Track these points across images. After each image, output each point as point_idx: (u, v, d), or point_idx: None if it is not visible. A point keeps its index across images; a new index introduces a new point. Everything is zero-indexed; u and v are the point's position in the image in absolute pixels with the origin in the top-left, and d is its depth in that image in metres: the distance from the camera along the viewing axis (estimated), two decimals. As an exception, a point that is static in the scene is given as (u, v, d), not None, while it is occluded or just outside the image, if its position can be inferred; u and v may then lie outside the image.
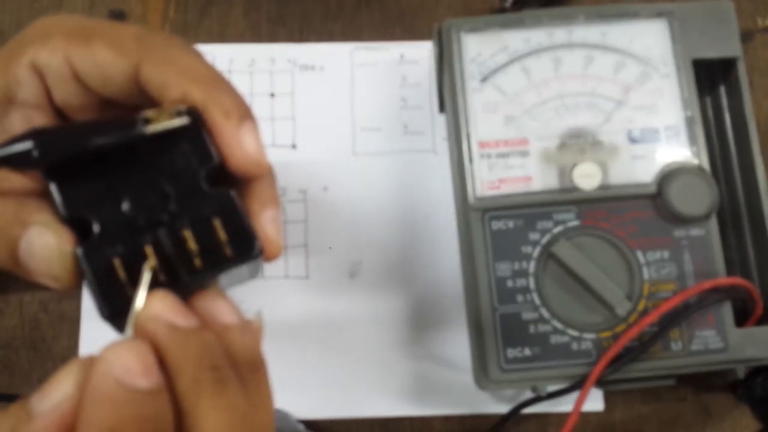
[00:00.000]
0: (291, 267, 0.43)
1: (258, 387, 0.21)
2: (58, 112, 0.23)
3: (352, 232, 0.43)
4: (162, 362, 0.19)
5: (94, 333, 0.41)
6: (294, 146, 0.45)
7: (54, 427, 0.18)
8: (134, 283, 0.20)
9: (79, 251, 0.20)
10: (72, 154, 0.20)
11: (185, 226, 0.21)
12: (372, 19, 0.47)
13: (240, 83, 0.45)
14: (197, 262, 0.21)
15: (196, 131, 0.21)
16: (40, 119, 0.23)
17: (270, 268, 0.42)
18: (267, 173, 0.23)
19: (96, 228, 0.21)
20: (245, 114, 0.22)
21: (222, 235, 0.21)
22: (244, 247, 0.21)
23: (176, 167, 0.21)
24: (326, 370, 0.41)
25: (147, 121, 0.21)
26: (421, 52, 0.46)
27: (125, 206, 0.21)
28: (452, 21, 0.38)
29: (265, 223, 0.22)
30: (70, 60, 0.22)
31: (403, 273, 0.42)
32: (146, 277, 0.20)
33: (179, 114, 0.21)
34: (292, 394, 0.40)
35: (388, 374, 0.41)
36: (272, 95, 0.45)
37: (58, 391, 0.19)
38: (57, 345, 0.42)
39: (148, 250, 0.21)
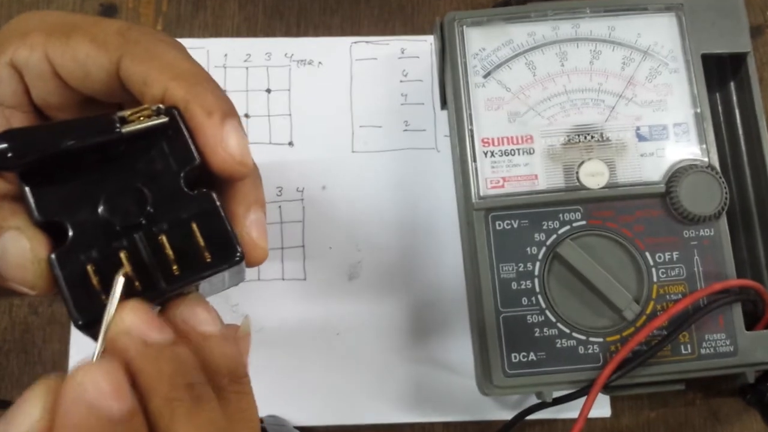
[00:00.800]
0: (288, 268, 0.42)
1: (239, 399, 0.20)
2: (38, 111, 0.23)
3: (351, 233, 0.42)
4: (134, 380, 0.18)
5: (85, 336, 0.41)
6: (291, 144, 0.44)
7: None
8: (109, 291, 0.20)
9: (53, 257, 0.20)
10: (47, 155, 0.19)
11: (163, 231, 0.20)
12: (371, 12, 0.46)
13: (235, 79, 0.45)
14: (175, 268, 0.20)
15: (176, 131, 0.21)
16: (19, 118, 0.22)
17: (266, 270, 0.42)
18: (251, 173, 0.22)
19: (71, 232, 0.20)
20: (228, 112, 0.21)
21: (200, 240, 0.21)
22: (225, 253, 0.21)
23: (155, 168, 0.21)
24: (324, 375, 0.41)
25: (124, 121, 0.20)
26: (423, 46, 0.45)
27: (101, 210, 0.20)
28: (454, 14, 0.37)
29: (249, 226, 0.22)
30: (49, 57, 0.21)
31: (404, 275, 0.42)
32: (118, 287, 0.19)
33: (158, 113, 0.20)
34: (289, 400, 0.40)
35: (388, 379, 0.40)
36: (269, 91, 0.45)
37: (25, 418, 0.18)
38: (47, 348, 0.41)
39: (123, 256, 0.20)
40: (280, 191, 0.43)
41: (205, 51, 0.45)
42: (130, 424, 0.18)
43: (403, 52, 0.45)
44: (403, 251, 0.42)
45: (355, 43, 0.45)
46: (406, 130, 0.44)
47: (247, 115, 0.44)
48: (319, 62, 0.45)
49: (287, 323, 0.41)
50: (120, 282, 0.19)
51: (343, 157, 0.44)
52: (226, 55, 0.45)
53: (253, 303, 0.41)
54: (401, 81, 0.45)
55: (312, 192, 0.43)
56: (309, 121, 0.44)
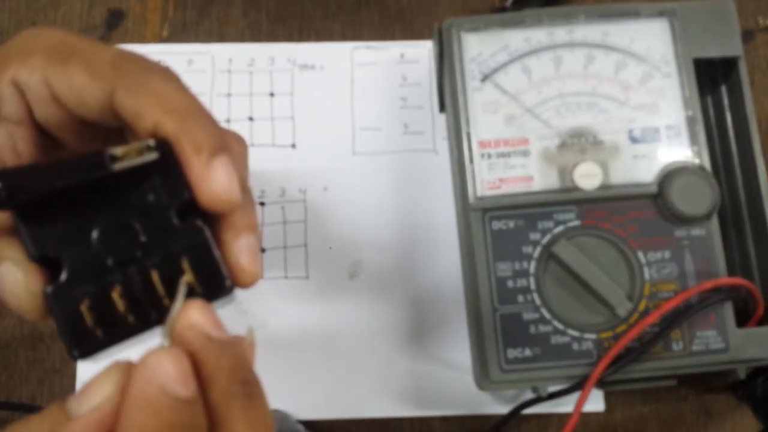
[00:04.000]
0: (291, 267, 0.43)
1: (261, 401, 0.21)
2: (40, 128, 0.23)
3: (352, 232, 0.43)
4: (196, 371, 0.19)
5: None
6: (294, 146, 0.44)
7: (93, 428, 0.18)
8: (102, 324, 0.20)
9: (48, 291, 0.20)
10: (40, 194, 0.20)
11: (154, 265, 0.21)
12: (372, 18, 0.47)
13: (239, 83, 0.45)
14: (166, 302, 0.21)
15: (167, 165, 0.21)
16: (22, 135, 0.22)
17: (270, 269, 0.42)
18: (245, 200, 0.22)
19: (65, 267, 0.20)
20: (217, 148, 0.21)
21: (189, 277, 0.21)
22: (214, 285, 0.21)
23: (147, 203, 0.21)
24: (326, 370, 0.41)
25: (114, 159, 0.20)
26: (421, 51, 0.46)
27: (95, 245, 0.21)
28: (452, 20, 0.37)
29: (239, 252, 0.22)
30: (48, 81, 0.21)
31: (403, 273, 0.42)
32: (183, 288, 0.20)
33: (149, 149, 0.20)
34: (292, 394, 0.40)
35: (388, 375, 0.41)
36: (272, 95, 0.45)
37: (97, 394, 0.19)
38: (55, 346, 0.42)
39: (116, 293, 0.20)
40: (282, 192, 0.43)
41: (210, 56, 0.45)
42: (193, 410, 0.19)
43: (402, 57, 0.46)
44: (402, 250, 0.42)
45: (356, 48, 0.46)
46: (405, 133, 0.44)
47: (251, 118, 0.45)
48: (321, 67, 0.45)
49: (290, 320, 0.41)
50: (184, 283, 0.20)
51: (344, 159, 0.44)
52: (230, 60, 0.45)
53: (256, 301, 0.42)
54: (401, 85, 0.45)
55: (314, 193, 0.43)
56: (311, 124, 0.45)
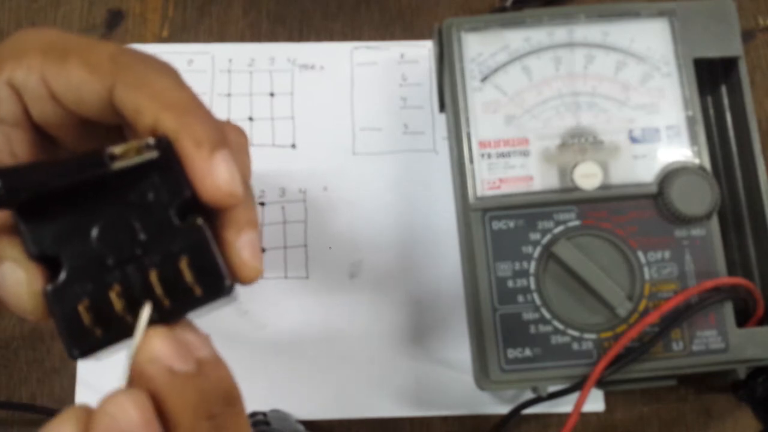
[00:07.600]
0: (291, 267, 0.43)
1: (236, 421, 0.20)
2: (37, 129, 0.23)
3: (352, 232, 0.43)
4: (159, 408, 0.19)
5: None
6: (294, 146, 0.44)
7: None
8: (101, 324, 0.20)
9: (48, 290, 0.20)
10: (39, 193, 0.20)
11: (154, 265, 0.21)
12: (372, 18, 0.47)
13: (240, 83, 0.45)
14: (165, 302, 0.20)
15: (167, 163, 0.21)
16: (20, 137, 0.22)
17: (270, 269, 0.42)
18: (246, 195, 0.22)
19: (65, 266, 0.20)
20: (218, 143, 0.21)
21: (189, 276, 0.21)
22: (215, 286, 0.21)
23: (147, 200, 0.21)
24: (326, 370, 0.41)
25: (114, 158, 0.20)
26: (422, 51, 0.46)
27: (94, 243, 0.21)
28: (453, 20, 0.38)
29: (241, 248, 0.21)
30: (46, 79, 0.21)
31: (404, 273, 0.42)
32: (145, 315, 0.20)
33: (148, 147, 0.20)
34: (292, 394, 0.40)
35: (388, 375, 0.41)
36: (272, 95, 0.45)
37: None
38: (56, 346, 0.42)
39: (114, 293, 0.20)
40: (282, 192, 0.43)
41: (210, 56, 0.46)
42: None
43: (402, 57, 0.46)
44: (402, 250, 0.42)
45: (356, 48, 0.46)
46: (405, 133, 0.44)
47: (251, 118, 0.45)
48: (321, 66, 0.46)
49: (290, 320, 0.41)
50: (147, 311, 0.20)
51: (344, 159, 0.44)
52: (230, 60, 0.45)
53: (256, 301, 0.42)
54: (401, 85, 0.45)
55: (314, 193, 0.43)
56: (311, 124, 0.45)
